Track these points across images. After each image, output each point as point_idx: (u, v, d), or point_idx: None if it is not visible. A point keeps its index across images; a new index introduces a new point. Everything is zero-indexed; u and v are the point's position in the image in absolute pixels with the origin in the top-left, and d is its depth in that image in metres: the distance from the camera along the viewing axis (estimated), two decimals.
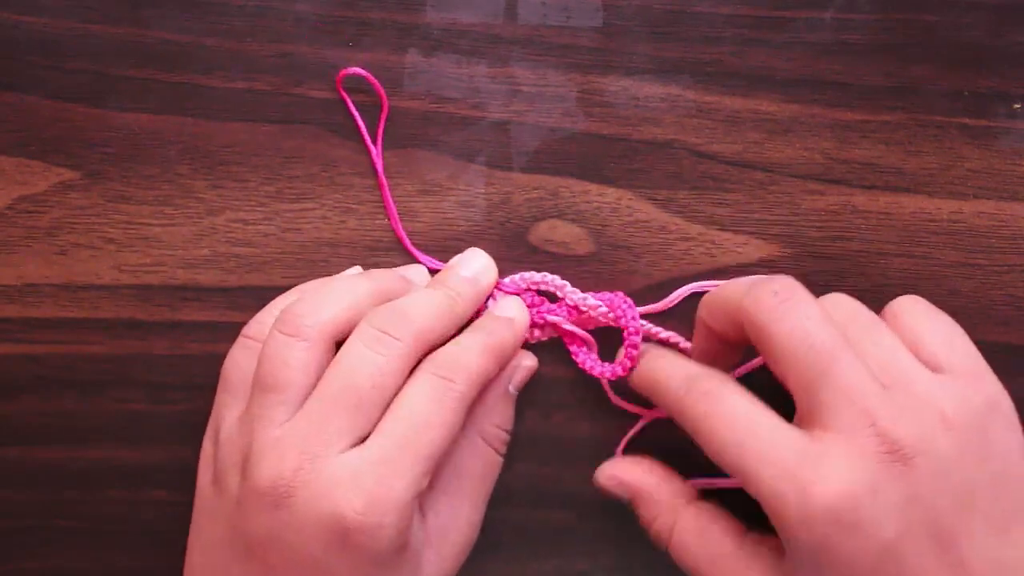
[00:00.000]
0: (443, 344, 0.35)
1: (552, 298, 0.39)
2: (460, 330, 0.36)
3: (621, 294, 0.38)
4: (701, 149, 0.39)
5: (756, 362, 0.37)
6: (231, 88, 0.38)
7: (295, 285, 0.38)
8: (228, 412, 0.35)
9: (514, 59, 0.39)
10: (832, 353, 0.31)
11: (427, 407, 0.33)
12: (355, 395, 0.33)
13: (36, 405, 0.39)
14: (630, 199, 0.39)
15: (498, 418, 0.37)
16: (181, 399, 0.39)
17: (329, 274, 0.39)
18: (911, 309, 0.35)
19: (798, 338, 0.32)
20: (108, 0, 0.38)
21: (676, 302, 0.39)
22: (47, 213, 0.39)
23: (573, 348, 0.39)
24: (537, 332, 0.39)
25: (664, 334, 0.38)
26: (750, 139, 0.39)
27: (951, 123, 0.39)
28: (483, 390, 0.36)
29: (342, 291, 0.35)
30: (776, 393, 0.33)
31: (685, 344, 0.38)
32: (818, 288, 0.39)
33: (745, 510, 0.34)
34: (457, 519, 0.36)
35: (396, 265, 0.39)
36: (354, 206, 0.39)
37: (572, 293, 0.38)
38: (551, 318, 0.38)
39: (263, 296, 0.38)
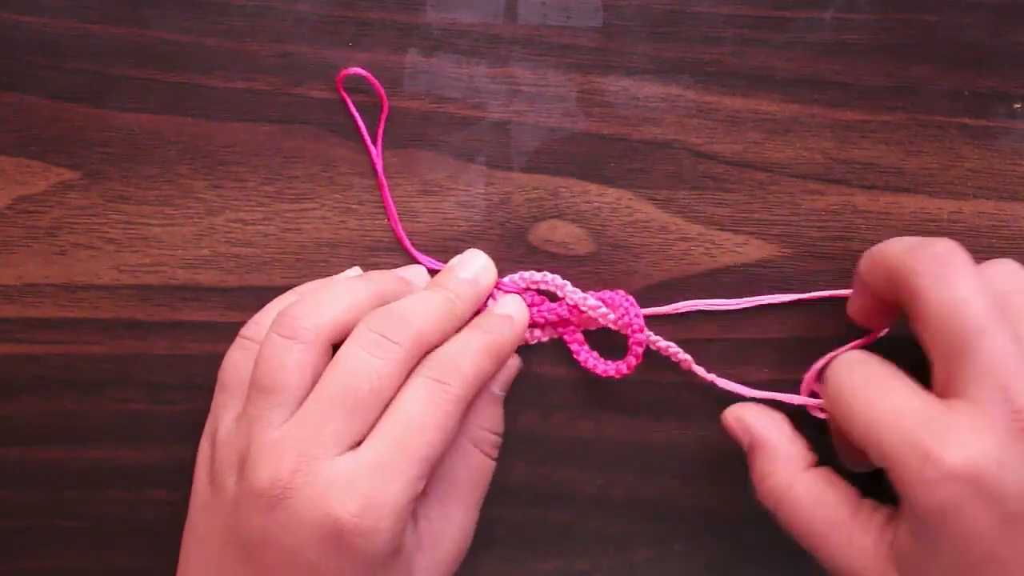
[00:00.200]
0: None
1: (553, 298, 0.39)
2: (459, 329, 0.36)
3: (623, 292, 0.38)
4: (701, 149, 0.39)
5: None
6: (231, 88, 0.38)
7: (295, 285, 0.38)
8: (226, 413, 0.35)
9: (514, 59, 0.39)
10: (980, 327, 0.31)
11: (422, 410, 0.33)
12: (352, 398, 0.33)
13: (36, 405, 0.39)
14: (630, 199, 0.39)
15: (486, 421, 0.37)
16: (181, 399, 0.39)
17: (329, 274, 0.39)
18: None
19: (948, 308, 0.32)
20: (108, 0, 0.38)
21: (680, 311, 0.39)
22: (47, 213, 0.39)
23: (575, 347, 0.39)
24: (537, 332, 0.39)
25: (662, 343, 0.38)
26: (750, 139, 0.39)
27: (951, 123, 0.39)
28: None
29: (340, 293, 0.35)
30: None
31: (684, 356, 0.38)
32: (818, 289, 0.39)
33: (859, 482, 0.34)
34: (449, 525, 0.36)
35: (396, 266, 0.39)
36: (354, 206, 0.39)
37: (572, 292, 0.38)
38: (551, 317, 0.38)
39: (263, 296, 0.38)
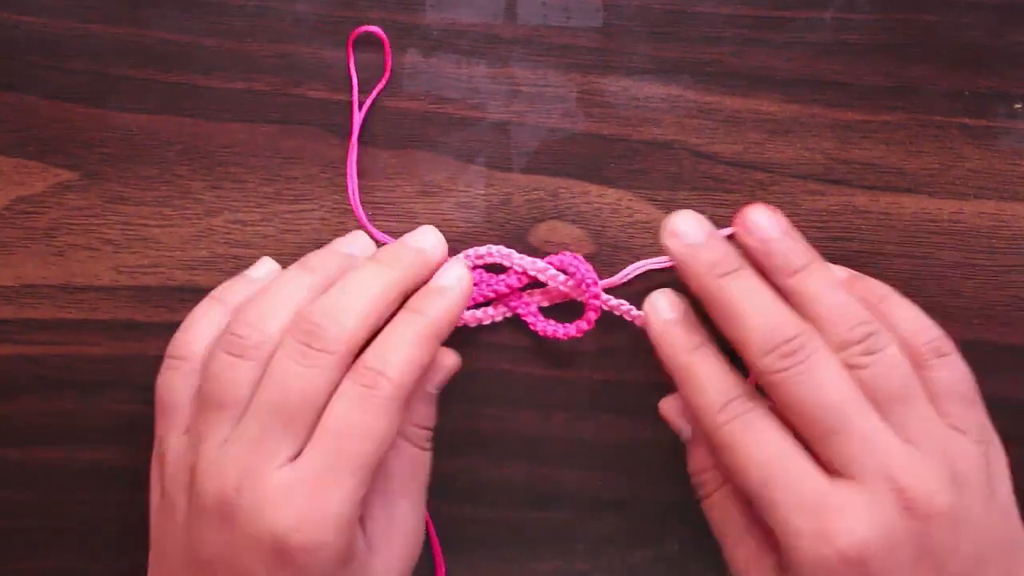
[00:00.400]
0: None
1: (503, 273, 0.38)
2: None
3: (570, 254, 0.38)
4: (701, 149, 0.39)
5: None
6: (230, 88, 0.38)
7: None
8: (170, 434, 0.35)
9: (514, 59, 0.39)
10: (845, 412, 0.32)
11: (356, 418, 0.32)
12: (286, 411, 0.32)
13: (36, 405, 0.39)
14: (630, 200, 0.39)
15: (418, 418, 0.37)
16: None
17: None
18: (947, 369, 0.35)
19: (811, 399, 0.33)
20: (108, 0, 0.38)
21: (630, 277, 0.39)
22: (45, 214, 0.39)
23: (530, 319, 0.38)
24: (491, 311, 0.38)
25: (614, 301, 0.38)
26: (750, 139, 0.39)
27: (951, 123, 0.39)
28: None
29: (283, 299, 0.34)
30: None
31: (637, 313, 0.38)
32: None
33: None
34: (396, 522, 0.36)
35: None
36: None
37: (521, 259, 0.38)
38: (502, 289, 0.38)
39: None
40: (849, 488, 0.32)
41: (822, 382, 0.32)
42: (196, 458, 0.33)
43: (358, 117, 0.38)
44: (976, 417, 0.35)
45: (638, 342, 0.38)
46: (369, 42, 0.38)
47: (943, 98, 0.39)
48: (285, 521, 0.31)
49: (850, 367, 0.33)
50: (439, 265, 0.36)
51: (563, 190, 0.39)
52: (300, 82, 0.39)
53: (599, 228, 0.39)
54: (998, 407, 0.37)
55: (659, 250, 0.39)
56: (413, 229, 0.39)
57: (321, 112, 0.39)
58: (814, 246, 0.39)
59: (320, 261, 0.36)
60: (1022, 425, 0.38)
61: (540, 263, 0.38)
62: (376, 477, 0.34)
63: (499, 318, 0.39)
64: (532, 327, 0.38)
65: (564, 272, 0.38)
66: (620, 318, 0.38)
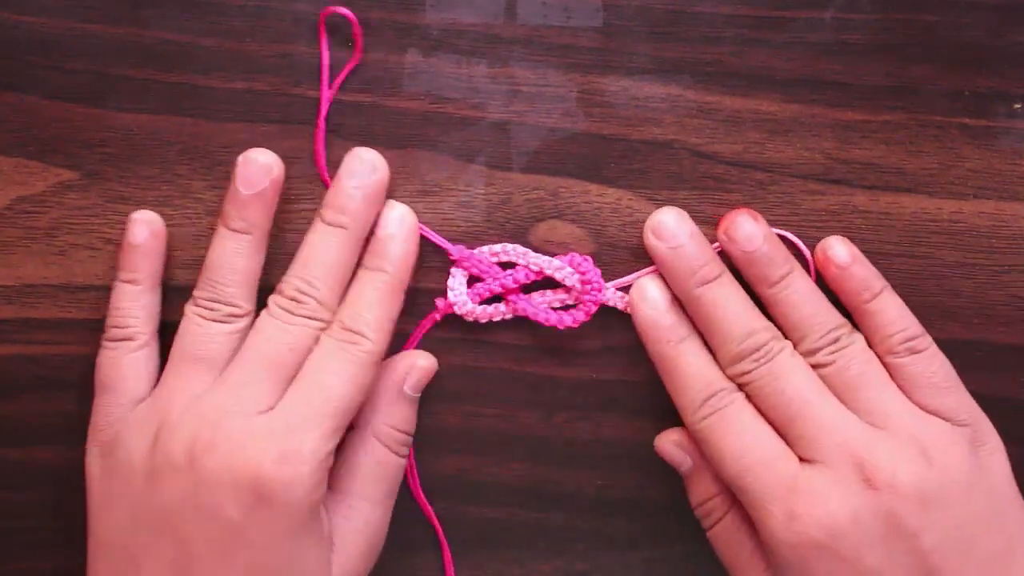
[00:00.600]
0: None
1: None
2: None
3: (577, 254, 0.38)
4: (701, 149, 0.39)
5: None
6: (230, 88, 0.38)
7: None
8: (115, 410, 0.36)
9: (514, 59, 0.39)
10: (804, 398, 0.35)
11: (335, 367, 0.35)
12: (269, 363, 0.35)
13: (36, 405, 0.39)
14: (630, 199, 0.39)
15: (393, 419, 0.37)
16: None
17: None
18: (921, 362, 0.36)
19: (774, 394, 0.36)
20: (108, 0, 0.38)
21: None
22: (46, 213, 0.39)
23: (531, 311, 0.38)
24: (502, 307, 0.38)
25: (612, 293, 0.39)
26: (750, 139, 0.39)
27: (951, 123, 0.39)
28: (376, 393, 0.37)
29: (232, 271, 0.36)
30: None
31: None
32: (820, 289, 0.39)
33: None
34: (356, 520, 0.36)
35: None
36: None
37: (537, 258, 0.38)
38: (511, 284, 0.38)
39: (261, 297, 0.37)
40: (814, 470, 0.34)
41: (783, 374, 0.35)
42: (168, 409, 0.34)
43: (327, 95, 0.38)
44: (955, 401, 0.36)
45: (639, 342, 0.38)
46: (369, 41, 0.38)
47: (943, 98, 0.39)
48: (267, 453, 0.33)
49: (816, 366, 0.36)
50: (384, 187, 0.37)
51: (563, 190, 0.39)
52: (300, 82, 0.39)
53: (599, 228, 0.39)
54: (998, 407, 0.37)
55: None
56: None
57: None
58: (814, 246, 0.39)
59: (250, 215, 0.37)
60: (1022, 425, 0.38)
61: (556, 261, 0.38)
62: (344, 474, 0.36)
63: (508, 316, 0.39)
64: (534, 317, 0.38)
65: (577, 271, 0.38)
66: (620, 319, 0.38)
